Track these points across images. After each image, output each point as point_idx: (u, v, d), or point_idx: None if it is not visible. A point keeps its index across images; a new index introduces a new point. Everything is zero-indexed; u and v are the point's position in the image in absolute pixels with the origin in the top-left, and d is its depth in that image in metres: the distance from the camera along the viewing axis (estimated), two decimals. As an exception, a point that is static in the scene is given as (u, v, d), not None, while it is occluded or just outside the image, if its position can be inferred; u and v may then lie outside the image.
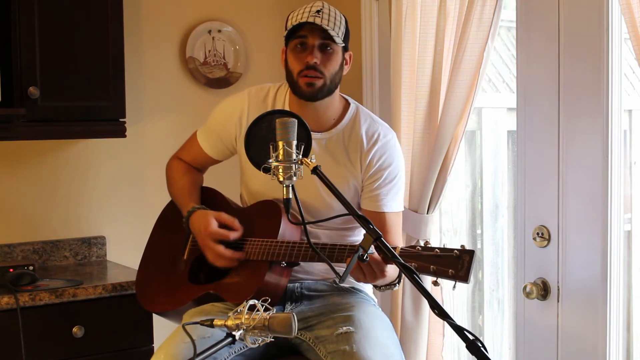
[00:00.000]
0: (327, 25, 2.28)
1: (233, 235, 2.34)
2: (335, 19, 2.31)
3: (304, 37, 2.31)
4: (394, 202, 2.42)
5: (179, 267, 2.49)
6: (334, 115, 2.43)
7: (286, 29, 2.35)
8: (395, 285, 2.27)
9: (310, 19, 2.27)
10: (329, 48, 2.31)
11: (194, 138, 2.61)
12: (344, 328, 2.21)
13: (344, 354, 2.13)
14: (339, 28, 2.31)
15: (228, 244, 2.34)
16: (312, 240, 1.99)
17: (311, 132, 1.94)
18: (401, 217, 2.48)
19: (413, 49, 2.92)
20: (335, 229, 2.42)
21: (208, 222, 2.35)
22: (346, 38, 2.36)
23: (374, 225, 1.80)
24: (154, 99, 3.39)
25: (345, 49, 2.37)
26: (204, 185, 2.64)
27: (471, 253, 1.91)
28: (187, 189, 2.56)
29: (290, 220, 1.86)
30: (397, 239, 2.45)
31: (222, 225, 2.36)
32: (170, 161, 2.67)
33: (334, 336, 2.20)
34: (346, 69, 2.41)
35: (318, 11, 2.29)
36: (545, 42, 2.51)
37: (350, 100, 2.49)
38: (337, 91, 2.42)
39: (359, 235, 2.46)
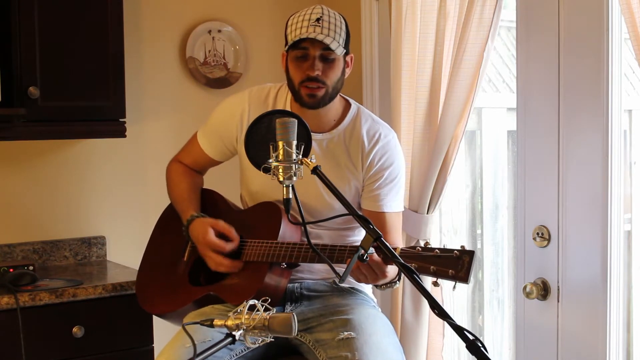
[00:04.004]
0: (328, 35, 2.26)
1: (229, 247, 2.34)
2: (335, 25, 2.29)
3: (305, 48, 2.30)
4: (394, 202, 2.42)
5: (179, 269, 2.49)
6: (334, 116, 2.43)
7: (286, 35, 2.33)
8: (395, 283, 2.26)
9: (310, 30, 2.26)
10: (330, 57, 2.31)
11: (194, 139, 2.60)
12: (345, 333, 2.20)
13: None
14: (340, 35, 2.30)
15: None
16: (313, 241, 1.99)
17: (312, 133, 1.93)
18: (401, 217, 2.48)
19: (413, 49, 2.92)
20: (336, 229, 2.42)
21: (205, 232, 2.35)
22: (347, 42, 2.34)
23: (374, 225, 1.80)
24: (154, 99, 3.39)
25: (346, 53, 2.36)
26: (204, 187, 2.64)
27: (471, 253, 1.90)
28: (187, 194, 2.55)
29: (290, 220, 1.86)
30: (397, 239, 2.45)
31: (220, 233, 2.36)
32: (170, 164, 2.66)
33: (335, 341, 2.20)
34: (348, 71, 2.40)
35: (318, 19, 2.28)
36: (545, 42, 2.51)
37: (351, 100, 2.49)
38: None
39: (360, 234, 2.46)
